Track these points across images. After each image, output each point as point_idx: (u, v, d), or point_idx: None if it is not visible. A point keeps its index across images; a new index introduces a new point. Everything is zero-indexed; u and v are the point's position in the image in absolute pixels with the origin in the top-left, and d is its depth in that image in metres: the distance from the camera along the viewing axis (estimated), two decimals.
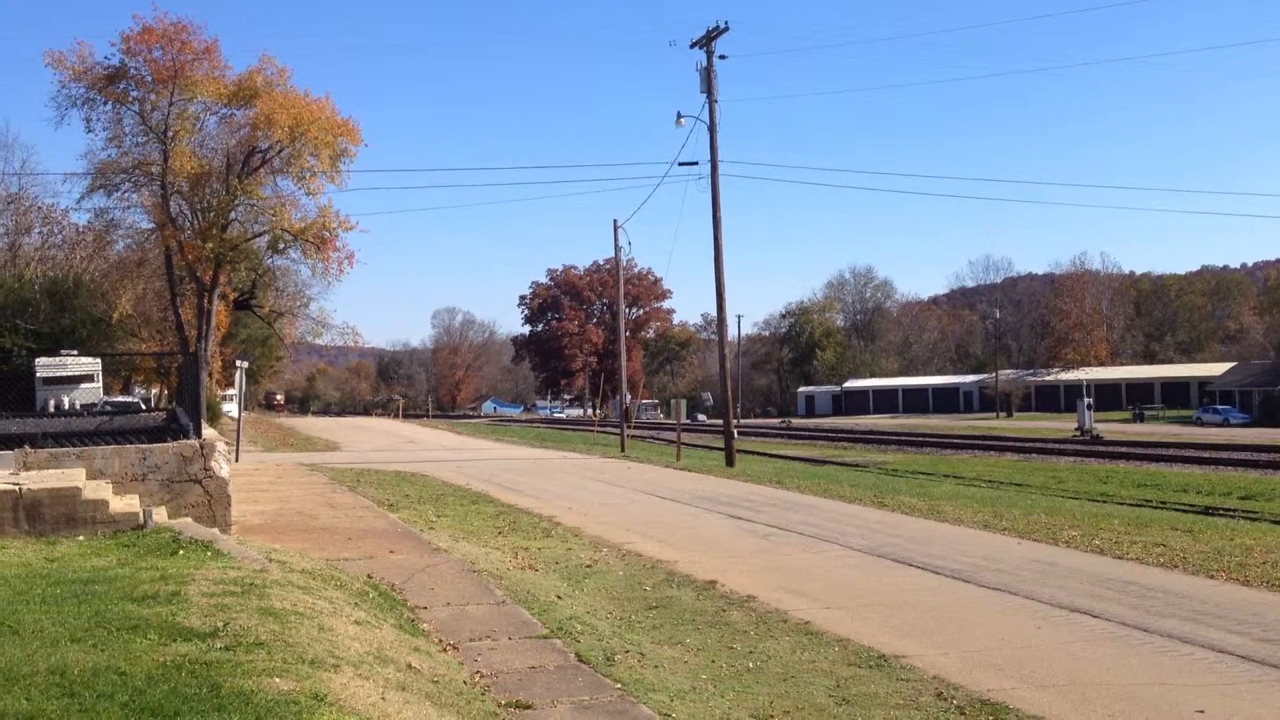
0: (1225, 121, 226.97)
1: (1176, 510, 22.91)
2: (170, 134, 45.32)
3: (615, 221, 45.12)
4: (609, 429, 63.80)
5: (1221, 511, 22.69)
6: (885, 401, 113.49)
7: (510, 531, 16.65)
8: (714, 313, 35.69)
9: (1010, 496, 24.93)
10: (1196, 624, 10.11)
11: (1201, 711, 7.53)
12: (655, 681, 8.17)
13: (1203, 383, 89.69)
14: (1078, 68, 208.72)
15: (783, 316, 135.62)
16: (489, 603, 10.82)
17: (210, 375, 51.67)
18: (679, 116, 34.12)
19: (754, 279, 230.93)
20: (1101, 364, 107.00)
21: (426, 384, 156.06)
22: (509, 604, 10.77)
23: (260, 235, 47.96)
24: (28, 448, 13.89)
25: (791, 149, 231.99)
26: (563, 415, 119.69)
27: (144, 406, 31.95)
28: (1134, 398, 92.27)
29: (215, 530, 12.62)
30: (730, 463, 32.86)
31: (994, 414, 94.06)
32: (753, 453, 43.79)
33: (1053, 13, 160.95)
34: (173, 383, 46.66)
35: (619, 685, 7.96)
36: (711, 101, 33.27)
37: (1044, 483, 30.67)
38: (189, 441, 14.46)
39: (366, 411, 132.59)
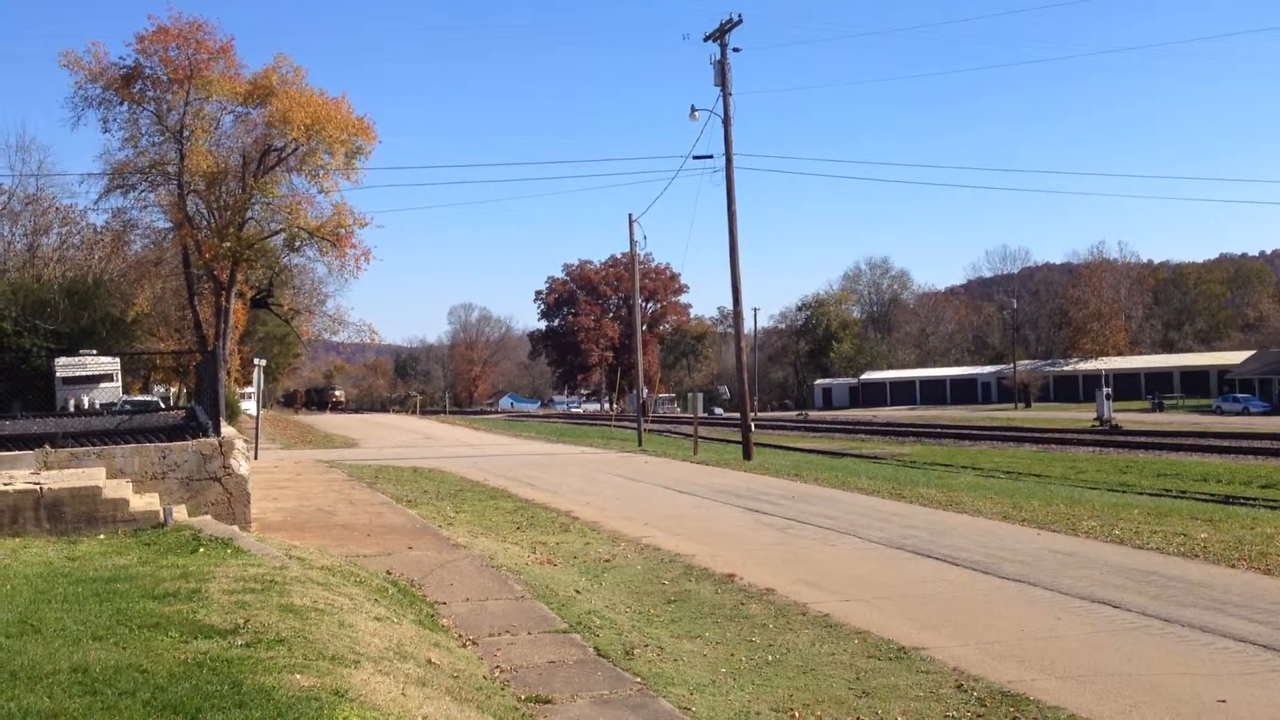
0: (1244, 108, 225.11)
1: (1197, 500, 22.76)
2: (186, 133, 45.59)
3: (630, 216, 45.27)
4: (626, 423, 63.85)
5: (1242, 500, 22.52)
6: (902, 393, 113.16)
7: (528, 527, 16.69)
8: (730, 306, 35.67)
9: (1029, 487, 24.81)
10: (1218, 613, 10.06)
11: (1224, 701, 7.50)
12: (674, 675, 8.17)
13: (1222, 371, 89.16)
14: (1095, 56, 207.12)
15: (799, 309, 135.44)
16: (508, 598, 10.84)
17: (229, 373, 51.91)
18: (693, 110, 34.11)
19: (770, 272, 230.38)
20: (1120, 354, 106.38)
21: (443, 380, 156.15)
22: (528, 599, 10.80)
23: (277, 233, 48.21)
24: (48, 447, 13.99)
25: (807, 141, 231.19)
26: (580, 410, 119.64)
27: (163, 405, 32.11)
28: (1153, 387, 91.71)
29: (235, 528, 12.68)
30: (748, 456, 32.81)
31: (1012, 405, 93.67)
32: (770, 446, 43.67)
33: (1065, 0, 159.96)
34: (191, 381, 46.81)
35: (638, 679, 7.96)
36: (725, 94, 33.17)
37: (1063, 473, 30.50)
38: (208, 439, 14.53)
39: (384, 408, 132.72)
